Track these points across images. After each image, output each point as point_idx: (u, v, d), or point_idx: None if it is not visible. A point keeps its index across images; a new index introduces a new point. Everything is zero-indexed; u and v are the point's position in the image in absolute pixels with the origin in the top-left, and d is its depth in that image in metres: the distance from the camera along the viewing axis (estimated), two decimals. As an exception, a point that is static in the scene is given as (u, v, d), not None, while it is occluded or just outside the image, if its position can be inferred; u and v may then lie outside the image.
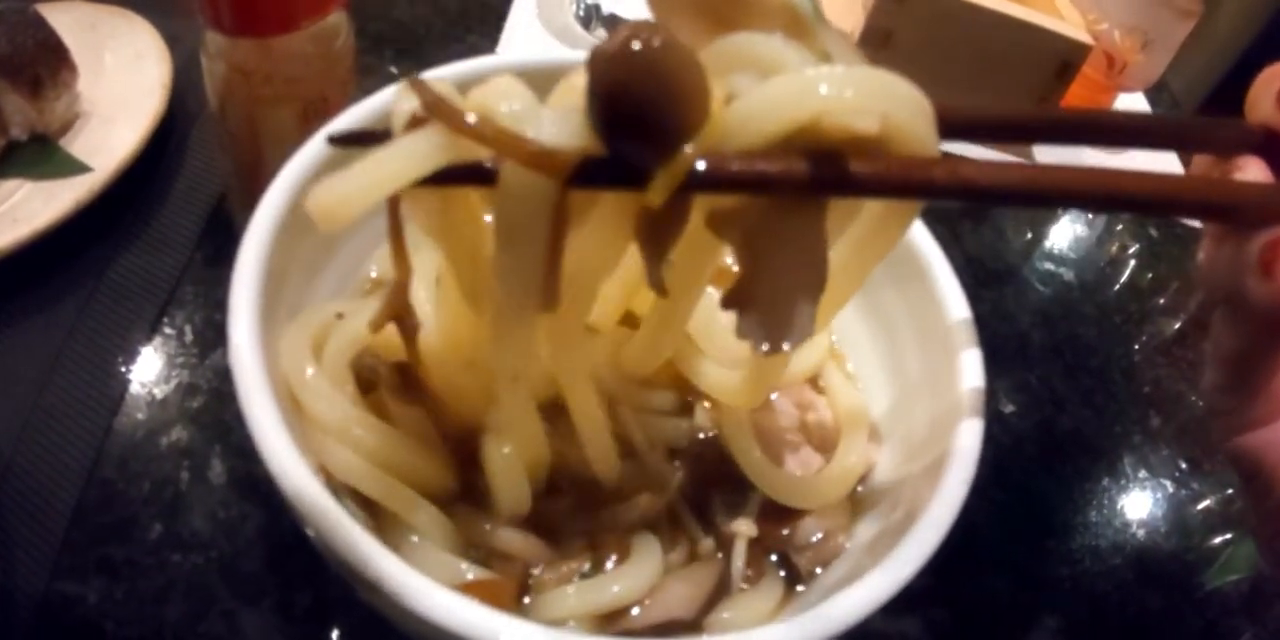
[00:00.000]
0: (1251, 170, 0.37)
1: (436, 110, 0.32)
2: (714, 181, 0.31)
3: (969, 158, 0.35)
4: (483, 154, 0.32)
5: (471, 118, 0.31)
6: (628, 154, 0.31)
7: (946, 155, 0.34)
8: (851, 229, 0.38)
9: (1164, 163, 0.98)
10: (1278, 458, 0.37)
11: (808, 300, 0.34)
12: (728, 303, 0.35)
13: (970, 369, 0.43)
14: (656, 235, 0.33)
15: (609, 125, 0.30)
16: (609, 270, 0.37)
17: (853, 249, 0.39)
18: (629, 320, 0.45)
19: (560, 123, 0.31)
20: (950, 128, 0.35)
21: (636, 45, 0.29)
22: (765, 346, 0.34)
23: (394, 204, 0.34)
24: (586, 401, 0.41)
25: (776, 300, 0.34)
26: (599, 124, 0.30)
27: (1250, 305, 0.35)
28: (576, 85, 0.32)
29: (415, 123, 0.32)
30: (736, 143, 0.31)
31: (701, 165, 0.31)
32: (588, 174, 0.31)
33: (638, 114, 0.30)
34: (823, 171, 0.32)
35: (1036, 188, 0.35)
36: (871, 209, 0.38)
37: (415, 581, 0.33)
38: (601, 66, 0.30)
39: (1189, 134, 0.41)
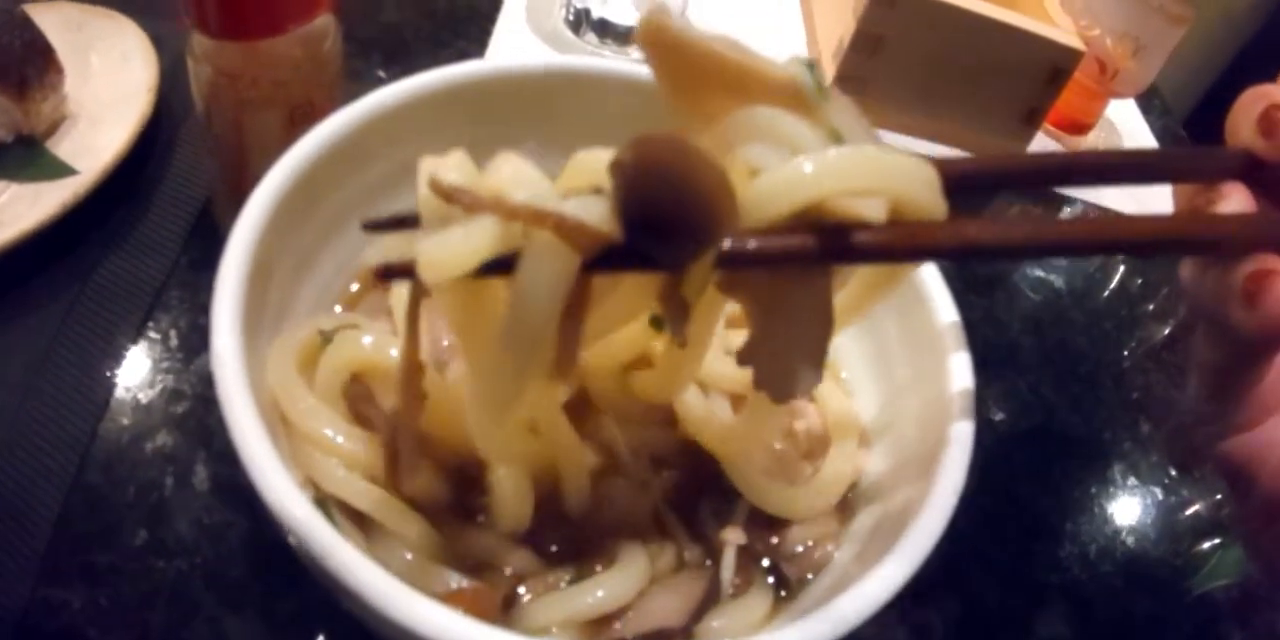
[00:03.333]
0: (1234, 198, 0.38)
1: (485, 204, 0.32)
2: (735, 260, 0.33)
3: (972, 218, 0.37)
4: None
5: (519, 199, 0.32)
6: (662, 254, 0.32)
7: (951, 217, 0.35)
8: (858, 276, 0.40)
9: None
10: (1259, 461, 0.39)
11: (813, 357, 0.36)
12: (742, 359, 0.37)
13: (960, 376, 0.43)
14: (680, 302, 0.34)
15: (642, 230, 0.32)
16: (622, 327, 0.38)
17: (857, 292, 0.41)
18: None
19: (587, 210, 0.32)
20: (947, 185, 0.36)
21: (658, 158, 0.31)
22: (776, 397, 0.37)
23: (415, 296, 0.35)
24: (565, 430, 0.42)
25: (784, 356, 0.36)
26: (630, 227, 0.31)
27: (1233, 331, 0.36)
28: (586, 165, 0.35)
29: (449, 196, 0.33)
30: (755, 218, 0.33)
31: (725, 244, 0.32)
32: (617, 258, 0.32)
33: (668, 222, 0.32)
34: (832, 244, 0.33)
35: (1037, 242, 0.37)
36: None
37: (395, 591, 0.32)
38: (628, 179, 0.31)
39: (1172, 166, 0.42)
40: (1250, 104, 0.38)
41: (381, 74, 0.81)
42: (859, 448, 0.48)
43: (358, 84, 0.49)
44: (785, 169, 0.33)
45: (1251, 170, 0.39)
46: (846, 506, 0.47)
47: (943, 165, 0.36)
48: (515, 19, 0.90)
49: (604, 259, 0.32)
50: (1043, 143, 0.98)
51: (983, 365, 0.44)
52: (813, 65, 0.36)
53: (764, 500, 0.45)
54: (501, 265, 0.32)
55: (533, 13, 0.91)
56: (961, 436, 0.41)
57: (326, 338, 0.43)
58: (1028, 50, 0.85)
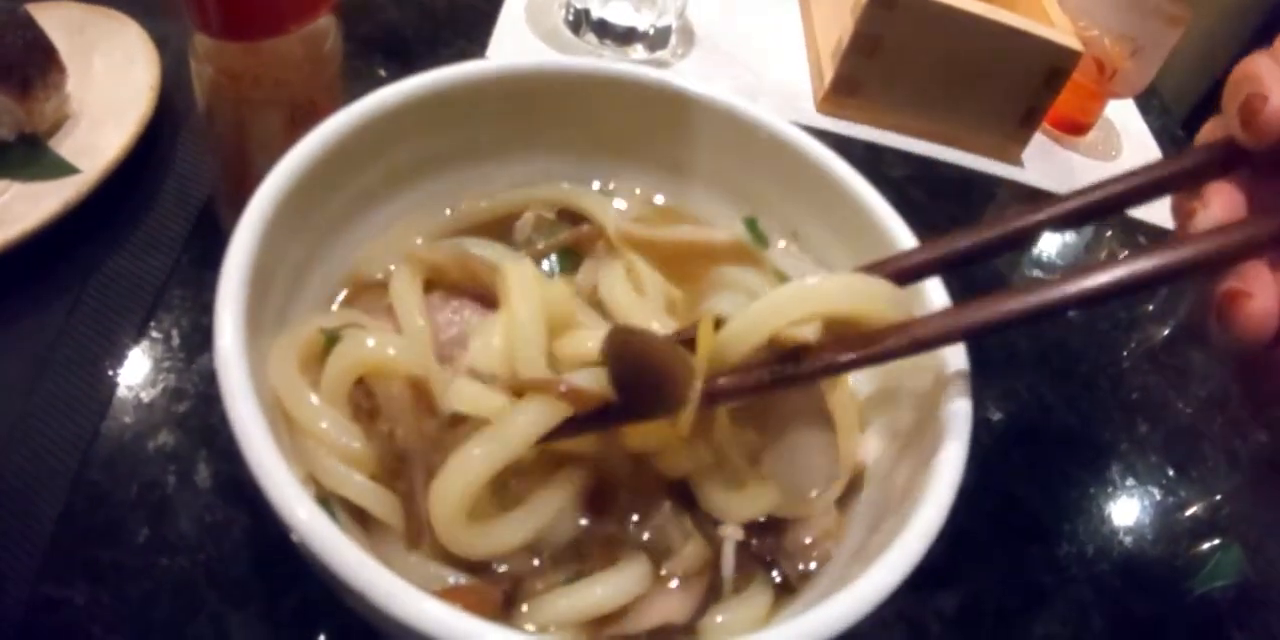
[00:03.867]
0: (1215, 203, 0.39)
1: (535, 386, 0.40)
2: (715, 397, 0.41)
3: (920, 318, 0.42)
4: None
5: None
6: (646, 415, 0.41)
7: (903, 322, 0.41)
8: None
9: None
10: None
11: (824, 456, 0.45)
12: (768, 473, 0.45)
13: (958, 376, 0.44)
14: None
15: (629, 405, 0.40)
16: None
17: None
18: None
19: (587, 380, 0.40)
20: (919, 271, 0.44)
21: (631, 352, 0.40)
22: (799, 498, 0.45)
23: None
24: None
25: (800, 463, 0.44)
26: (622, 401, 0.40)
27: (1217, 347, 0.38)
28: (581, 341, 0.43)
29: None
30: (729, 356, 0.40)
31: (702, 388, 0.40)
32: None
33: (646, 398, 0.40)
34: (793, 369, 0.40)
35: (980, 323, 0.40)
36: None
37: (397, 587, 0.32)
38: (614, 368, 0.40)
39: (1148, 185, 0.43)
40: (1237, 86, 0.38)
41: (382, 73, 0.81)
42: (859, 449, 0.48)
43: (359, 83, 0.50)
44: (749, 310, 0.40)
45: (1232, 161, 0.39)
46: (846, 505, 0.47)
47: (887, 265, 0.44)
48: (515, 19, 0.90)
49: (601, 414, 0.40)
50: (1041, 143, 0.98)
51: (981, 366, 0.44)
52: (753, 222, 0.48)
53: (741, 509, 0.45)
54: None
55: (533, 13, 0.91)
56: (959, 436, 0.41)
57: (329, 336, 0.44)
58: (1026, 51, 0.86)
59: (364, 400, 0.43)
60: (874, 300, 0.41)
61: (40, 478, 0.50)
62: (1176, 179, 0.42)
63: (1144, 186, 0.42)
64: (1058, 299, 0.39)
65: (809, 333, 0.40)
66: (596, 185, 0.57)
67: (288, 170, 0.43)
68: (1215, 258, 0.38)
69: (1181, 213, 0.40)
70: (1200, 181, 0.40)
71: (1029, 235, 0.44)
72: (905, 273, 0.44)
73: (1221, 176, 0.40)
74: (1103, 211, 0.43)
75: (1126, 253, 0.40)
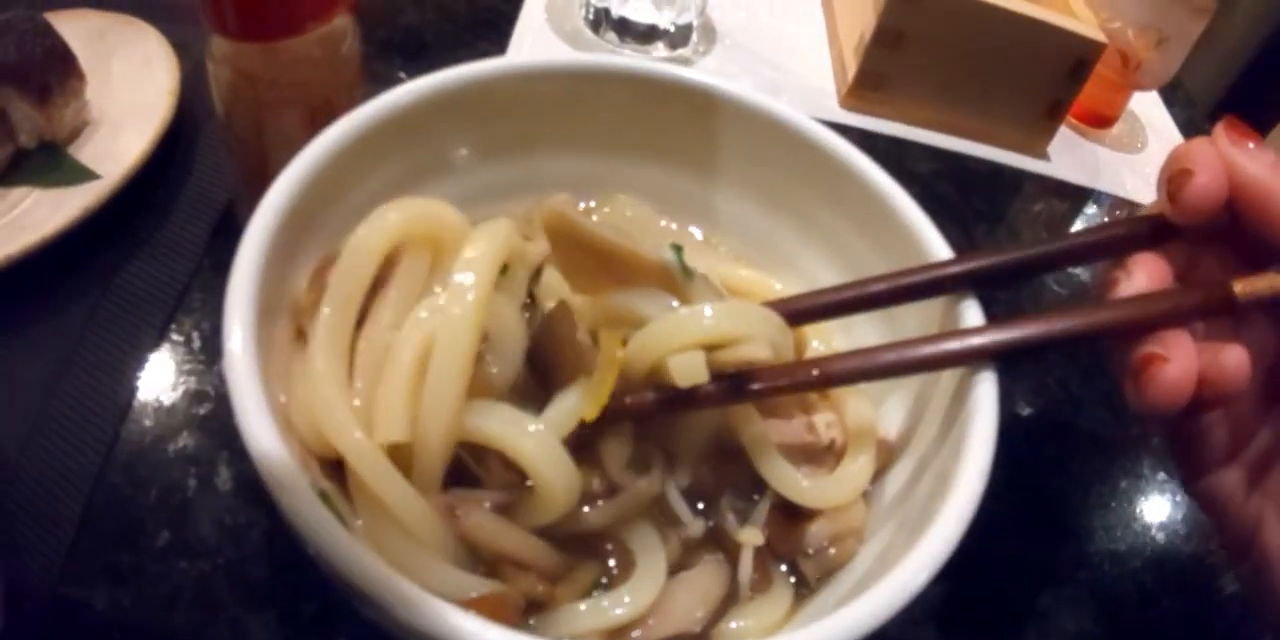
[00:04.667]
0: (1139, 273, 0.40)
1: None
2: (622, 413, 0.43)
3: (831, 355, 0.44)
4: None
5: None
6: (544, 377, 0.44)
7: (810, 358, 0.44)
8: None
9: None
10: (1224, 500, 0.42)
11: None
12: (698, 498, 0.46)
13: (985, 372, 0.43)
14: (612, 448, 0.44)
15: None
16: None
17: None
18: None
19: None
20: (825, 309, 0.47)
21: (536, 336, 0.44)
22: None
23: None
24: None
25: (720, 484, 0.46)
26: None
27: (1135, 408, 0.39)
28: None
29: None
30: (636, 371, 0.42)
31: (628, 400, 0.43)
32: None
33: (552, 372, 0.43)
34: (712, 391, 0.42)
35: (898, 364, 0.42)
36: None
37: (418, 598, 0.32)
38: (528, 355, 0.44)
39: (1079, 251, 0.45)
40: (1169, 163, 0.40)
41: (402, 75, 0.81)
42: (880, 444, 0.48)
43: (378, 86, 0.49)
44: (653, 327, 0.42)
45: (1161, 235, 0.41)
46: (870, 503, 0.47)
47: (789, 303, 0.47)
48: (535, 19, 0.90)
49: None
50: (1066, 136, 0.97)
51: (1009, 360, 0.44)
52: (679, 249, 0.44)
53: (789, 487, 0.44)
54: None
55: (552, 13, 0.91)
56: (986, 433, 0.41)
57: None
58: (1049, 43, 0.85)
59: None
60: (785, 335, 0.43)
61: (61, 480, 0.50)
62: (1112, 244, 0.43)
63: (1077, 249, 0.45)
64: (971, 349, 0.42)
65: (765, 351, 0.41)
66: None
67: (303, 168, 0.43)
68: (1135, 322, 0.39)
69: (1105, 280, 0.42)
70: (1131, 250, 0.42)
71: (953, 283, 0.46)
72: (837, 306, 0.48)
73: (1153, 248, 0.42)
74: (1032, 270, 0.46)
75: (1045, 312, 0.42)
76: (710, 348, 0.41)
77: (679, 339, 0.41)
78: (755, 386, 0.42)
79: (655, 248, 0.44)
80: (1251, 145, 0.39)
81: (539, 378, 0.44)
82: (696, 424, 0.45)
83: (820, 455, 0.47)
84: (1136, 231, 0.42)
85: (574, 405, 0.42)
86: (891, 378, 0.45)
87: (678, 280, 0.44)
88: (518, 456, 0.40)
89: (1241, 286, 0.38)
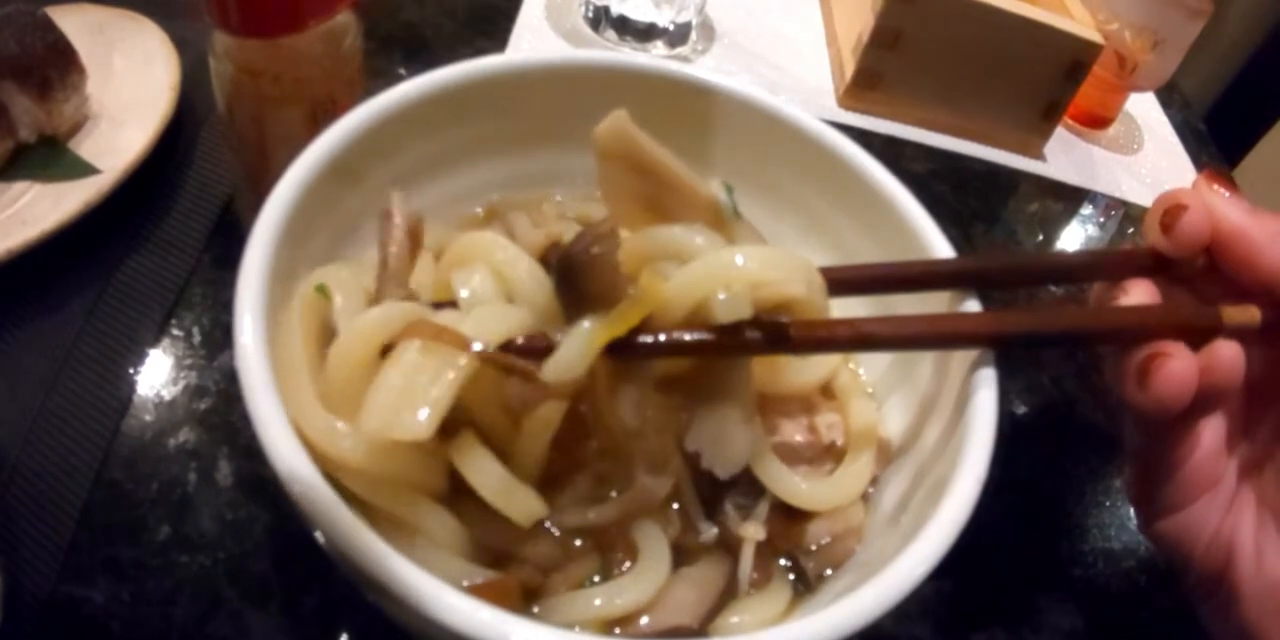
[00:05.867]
0: (1135, 292, 0.43)
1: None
2: (667, 349, 0.40)
3: (868, 317, 0.44)
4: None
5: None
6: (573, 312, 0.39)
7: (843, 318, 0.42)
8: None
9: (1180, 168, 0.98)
10: (1190, 540, 0.44)
11: (742, 432, 0.42)
12: (691, 446, 0.42)
13: (983, 371, 0.43)
14: (627, 390, 0.41)
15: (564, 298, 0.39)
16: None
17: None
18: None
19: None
20: (836, 285, 0.43)
21: (574, 254, 0.38)
22: (723, 472, 0.42)
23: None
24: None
25: (725, 437, 0.42)
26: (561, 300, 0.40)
27: (1134, 411, 0.41)
28: None
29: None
30: (676, 309, 0.39)
31: (659, 338, 0.39)
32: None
33: (577, 294, 0.39)
34: (748, 336, 0.40)
35: (928, 336, 0.43)
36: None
37: (425, 584, 0.32)
38: (558, 261, 0.39)
39: (1082, 268, 0.49)
40: (1159, 205, 0.43)
41: (402, 71, 0.81)
42: (880, 445, 0.48)
43: (379, 82, 0.49)
44: (699, 263, 0.39)
45: (1161, 266, 0.44)
46: (868, 501, 0.47)
47: (827, 271, 0.43)
48: (535, 16, 0.90)
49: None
50: (1063, 137, 0.98)
51: (1005, 359, 0.44)
52: (731, 189, 0.43)
53: (788, 492, 0.45)
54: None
55: (552, 10, 0.91)
56: (984, 432, 0.41)
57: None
58: (1047, 44, 0.85)
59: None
60: (822, 290, 0.42)
61: (61, 475, 0.50)
62: (1109, 268, 0.46)
63: (1076, 267, 0.49)
64: (999, 331, 0.43)
65: (800, 288, 0.40)
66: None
67: (307, 165, 0.43)
68: (1147, 327, 0.41)
69: (1104, 296, 0.45)
70: (1125, 276, 0.45)
71: (952, 280, 0.47)
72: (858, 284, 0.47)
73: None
74: (1028, 279, 0.51)
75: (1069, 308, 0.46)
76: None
77: (727, 276, 0.39)
78: (792, 336, 0.40)
79: (708, 183, 0.43)
80: (1228, 194, 0.42)
81: (571, 305, 0.40)
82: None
83: (820, 456, 0.47)
84: (1130, 261, 0.45)
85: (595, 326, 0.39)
86: (919, 349, 0.46)
87: (726, 219, 0.43)
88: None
89: (1228, 314, 0.41)
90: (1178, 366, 0.39)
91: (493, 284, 0.41)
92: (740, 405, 0.42)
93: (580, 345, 0.38)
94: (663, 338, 0.39)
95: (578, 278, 0.39)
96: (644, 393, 0.41)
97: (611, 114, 0.43)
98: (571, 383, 0.38)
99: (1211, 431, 0.42)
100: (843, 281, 0.45)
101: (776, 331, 0.40)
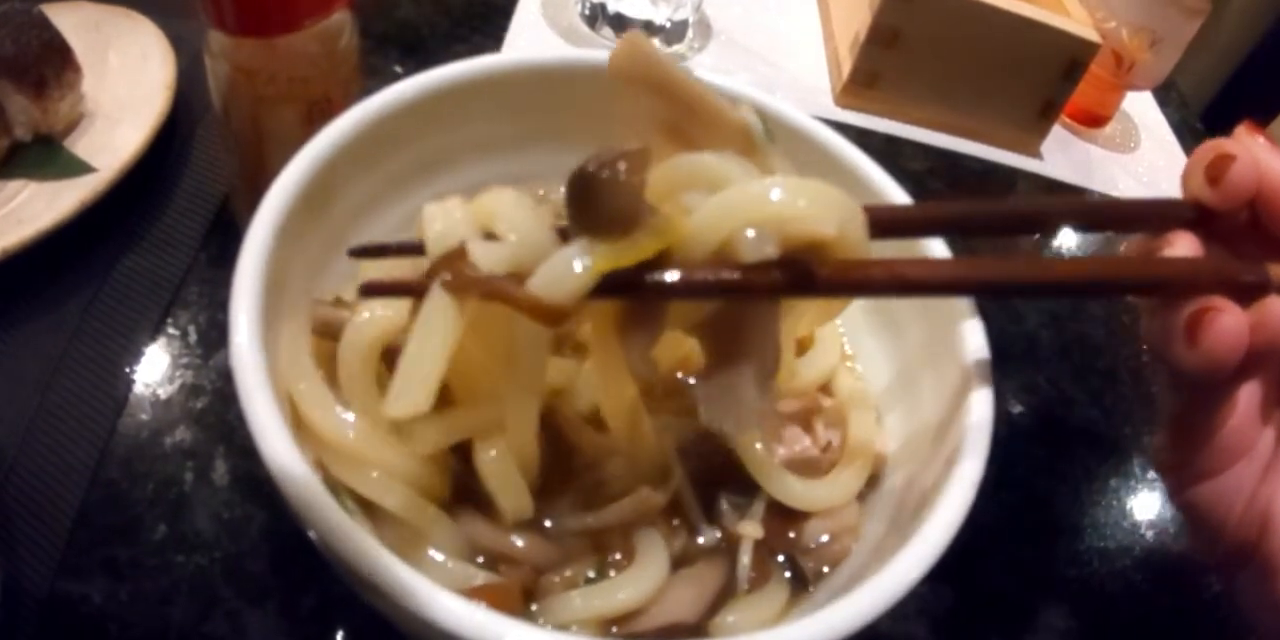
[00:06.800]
0: (1180, 245, 0.40)
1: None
2: (683, 288, 0.36)
3: (904, 258, 0.39)
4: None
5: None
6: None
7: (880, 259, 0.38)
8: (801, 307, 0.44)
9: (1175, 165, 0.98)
10: (1224, 508, 0.41)
11: (759, 385, 0.38)
12: (698, 391, 0.39)
13: (978, 370, 0.43)
14: (637, 335, 0.37)
15: (573, 218, 0.35)
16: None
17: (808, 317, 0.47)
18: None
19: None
20: (878, 226, 0.39)
21: (593, 171, 0.34)
22: (728, 429, 0.38)
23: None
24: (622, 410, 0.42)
25: (735, 388, 0.38)
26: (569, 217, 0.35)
27: (1181, 371, 0.38)
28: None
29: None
30: (699, 246, 0.35)
31: (674, 276, 0.35)
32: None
33: (588, 216, 0.35)
34: (774, 277, 0.35)
35: (967, 280, 0.40)
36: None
37: (421, 586, 0.32)
38: (572, 178, 0.35)
39: (1123, 215, 0.45)
40: (1202, 155, 0.40)
41: (398, 70, 0.81)
42: (878, 443, 0.48)
43: (375, 80, 0.49)
44: (730, 192, 0.35)
45: (1202, 220, 0.41)
46: (865, 501, 0.47)
47: (872, 210, 0.38)
48: (531, 14, 0.90)
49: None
50: (1060, 136, 0.98)
51: (1001, 358, 0.44)
52: (764, 119, 0.39)
53: (782, 491, 0.45)
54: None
55: (549, 8, 0.91)
56: (980, 432, 0.41)
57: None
58: (1044, 43, 0.85)
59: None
60: (863, 228, 0.37)
61: (57, 475, 0.50)
62: (1150, 217, 0.43)
63: (1113, 215, 0.46)
64: (1048, 279, 0.40)
65: (830, 229, 0.35)
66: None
67: (303, 165, 0.43)
68: (1189, 280, 0.39)
69: (1147, 247, 0.42)
70: (1167, 228, 0.42)
71: (1034, 219, 0.45)
72: (904, 225, 0.44)
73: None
74: (1057, 226, 0.47)
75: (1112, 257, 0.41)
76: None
77: (762, 212, 0.35)
78: (821, 277, 0.36)
79: (737, 106, 0.39)
80: (1270, 145, 0.40)
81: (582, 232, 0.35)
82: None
83: (818, 456, 0.47)
84: (1171, 211, 0.42)
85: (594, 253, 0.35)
86: (962, 294, 0.44)
87: (759, 147, 0.38)
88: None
89: (1276, 271, 0.39)
90: (1230, 322, 0.37)
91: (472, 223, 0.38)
92: (758, 363, 0.38)
93: (574, 259, 0.34)
94: (677, 275, 0.35)
95: (594, 198, 0.34)
96: (655, 341, 0.38)
97: (626, 34, 0.40)
98: (564, 309, 0.34)
99: (1249, 395, 0.40)
100: (892, 222, 0.42)
101: (804, 271, 0.36)
